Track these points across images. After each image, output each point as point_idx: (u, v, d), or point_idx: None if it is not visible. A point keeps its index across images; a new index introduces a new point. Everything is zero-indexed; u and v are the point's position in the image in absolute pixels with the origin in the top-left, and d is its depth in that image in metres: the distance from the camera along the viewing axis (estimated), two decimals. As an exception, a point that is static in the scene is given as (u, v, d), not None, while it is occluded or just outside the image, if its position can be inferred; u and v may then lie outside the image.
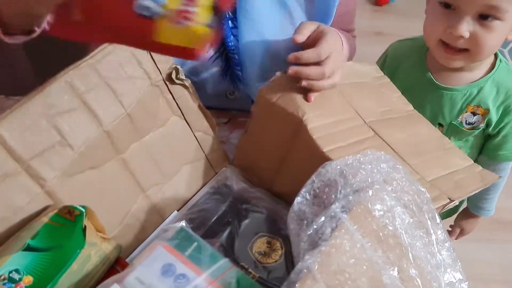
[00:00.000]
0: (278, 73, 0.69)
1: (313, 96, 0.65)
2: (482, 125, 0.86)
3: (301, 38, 0.66)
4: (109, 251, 0.55)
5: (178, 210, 0.71)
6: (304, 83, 0.64)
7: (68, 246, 0.51)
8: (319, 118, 0.65)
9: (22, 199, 0.54)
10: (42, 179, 0.55)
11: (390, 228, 0.51)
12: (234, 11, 0.76)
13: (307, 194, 0.56)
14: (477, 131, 0.87)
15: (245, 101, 0.86)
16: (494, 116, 0.85)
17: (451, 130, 0.87)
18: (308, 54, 0.64)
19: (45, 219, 0.52)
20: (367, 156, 0.56)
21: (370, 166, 0.54)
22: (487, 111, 0.85)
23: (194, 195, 0.73)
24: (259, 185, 0.74)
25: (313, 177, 0.56)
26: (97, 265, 0.53)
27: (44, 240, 0.50)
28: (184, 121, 0.69)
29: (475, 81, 0.84)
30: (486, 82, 0.84)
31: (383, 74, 0.80)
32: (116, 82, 0.61)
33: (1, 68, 0.91)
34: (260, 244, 0.67)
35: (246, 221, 0.69)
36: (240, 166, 0.75)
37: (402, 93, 0.86)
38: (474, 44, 0.76)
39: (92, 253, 0.52)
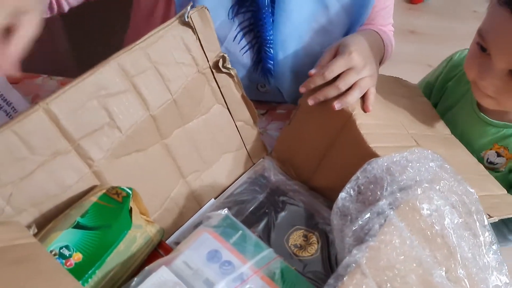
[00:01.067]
0: None
1: (339, 104, 0.64)
2: (504, 170, 0.78)
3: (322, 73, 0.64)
4: (153, 234, 0.55)
5: (215, 198, 0.72)
6: (336, 105, 0.63)
7: (116, 226, 0.52)
8: (367, 117, 0.64)
9: (71, 178, 0.55)
10: (90, 159, 0.56)
11: (438, 227, 0.50)
12: (274, 3, 0.76)
13: (351, 190, 0.55)
14: (495, 174, 0.78)
15: (276, 94, 0.85)
16: None
17: None
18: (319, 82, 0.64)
19: (93, 198, 0.53)
20: (414, 154, 0.56)
21: (417, 164, 0.53)
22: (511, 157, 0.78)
23: (231, 184, 0.73)
24: (297, 178, 0.73)
25: (358, 173, 0.55)
26: (142, 247, 0.53)
27: (93, 219, 0.51)
28: (227, 110, 0.69)
29: None
30: None
31: (423, 96, 0.81)
32: (165, 67, 0.61)
33: (43, 49, 0.92)
34: (296, 237, 0.67)
35: (283, 213, 0.70)
36: (278, 158, 0.75)
37: (445, 104, 0.85)
38: (502, 95, 0.68)
39: (138, 235, 0.53)
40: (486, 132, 0.79)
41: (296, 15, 0.77)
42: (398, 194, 0.51)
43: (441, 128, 0.76)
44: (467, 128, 0.80)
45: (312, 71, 0.64)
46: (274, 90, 0.86)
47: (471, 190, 0.53)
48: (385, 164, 0.55)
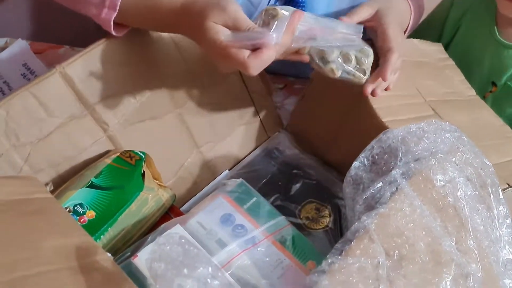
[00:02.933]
0: None
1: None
2: None
3: (354, 19, 0.63)
4: (165, 198, 0.56)
5: (229, 170, 0.72)
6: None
7: (128, 187, 0.53)
8: (381, 90, 0.63)
9: (86, 141, 0.57)
10: (105, 124, 0.57)
11: (451, 198, 0.49)
12: None
13: (365, 159, 0.55)
14: None
15: (306, 64, 0.84)
16: None
17: (504, 92, 0.80)
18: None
19: (108, 160, 0.54)
20: (432, 125, 0.55)
21: (434, 135, 0.52)
22: None
23: (246, 156, 0.73)
24: (311, 153, 0.73)
25: (373, 143, 0.55)
26: (153, 209, 0.54)
27: (107, 180, 0.52)
28: (242, 81, 0.69)
29: None
30: None
31: (447, 56, 0.77)
32: (181, 37, 0.61)
33: (66, 19, 0.94)
34: (308, 210, 0.67)
35: (296, 186, 0.69)
36: (293, 132, 0.75)
37: (462, 44, 0.81)
38: None
39: (150, 197, 0.54)
40: None
41: None
42: (412, 164, 0.50)
43: (464, 89, 0.73)
44: (494, 59, 0.79)
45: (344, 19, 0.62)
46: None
47: (488, 162, 0.52)
48: (401, 134, 0.54)
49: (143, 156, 0.55)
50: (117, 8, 0.53)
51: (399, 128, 0.54)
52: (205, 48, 0.51)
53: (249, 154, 0.74)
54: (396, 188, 0.48)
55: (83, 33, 0.97)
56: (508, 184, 0.58)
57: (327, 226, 0.65)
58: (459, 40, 0.83)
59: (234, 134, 0.72)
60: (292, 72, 0.87)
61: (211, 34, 0.48)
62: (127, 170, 0.54)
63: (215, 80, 0.67)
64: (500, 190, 0.52)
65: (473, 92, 0.72)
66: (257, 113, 0.73)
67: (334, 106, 0.68)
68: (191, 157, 0.67)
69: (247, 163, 0.72)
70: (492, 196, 0.51)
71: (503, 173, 0.59)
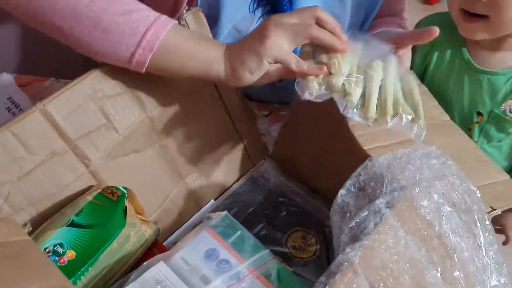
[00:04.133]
0: None
1: None
2: None
3: None
4: (148, 233, 0.55)
5: (215, 199, 0.71)
6: None
7: (110, 224, 0.52)
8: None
9: (68, 177, 0.56)
10: (87, 159, 0.57)
11: (436, 227, 0.49)
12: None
13: (352, 186, 0.54)
14: None
15: (293, 90, 0.85)
16: None
17: (492, 120, 0.78)
18: None
19: (89, 197, 0.53)
20: (417, 151, 0.54)
21: (419, 162, 0.52)
22: None
23: (231, 185, 0.73)
24: (297, 180, 0.73)
25: (359, 170, 0.54)
26: (136, 246, 0.54)
27: (88, 217, 0.51)
28: (226, 111, 0.69)
29: None
30: None
31: (420, 82, 0.78)
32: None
33: (52, 51, 0.94)
34: (295, 238, 0.66)
35: (282, 214, 0.69)
36: (278, 160, 0.75)
37: (437, 77, 0.80)
38: (494, 9, 0.66)
39: (132, 233, 0.53)
40: (498, 84, 0.76)
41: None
42: (396, 192, 0.50)
43: (439, 114, 0.73)
44: (475, 90, 0.78)
45: None
46: (292, 87, 0.86)
47: (473, 188, 0.52)
48: (386, 161, 0.54)
49: (125, 192, 0.55)
50: (154, 50, 0.53)
51: (385, 155, 0.54)
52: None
53: (234, 183, 0.73)
54: (380, 219, 0.48)
55: (69, 65, 0.97)
56: (491, 207, 0.58)
57: (314, 254, 0.65)
58: (433, 75, 0.82)
59: (219, 163, 0.71)
60: (276, 99, 0.88)
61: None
62: (108, 206, 0.53)
63: (199, 111, 0.66)
64: (486, 216, 0.52)
65: (447, 117, 0.72)
66: (241, 141, 0.72)
67: (316, 133, 0.68)
68: (176, 189, 0.67)
69: (233, 192, 0.72)
70: (478, 223, 0.51)
71: (486, 196, 0.59)
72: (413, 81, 0.63)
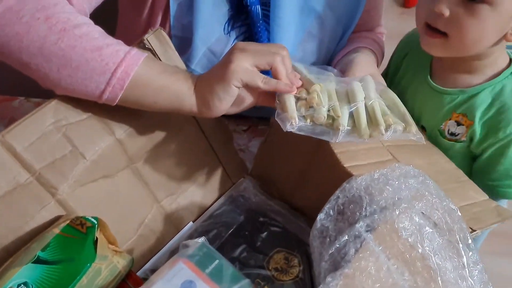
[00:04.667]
0: None
1: None
2: (465, 140, 0.74)
3: None
4: (121, 265, 0.53)
5: (193, 221, 0.69)
6: None
7: (79, 259, 0.49)
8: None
9: (33, 208, 0.53)
10: (54, 188, 0.54)
11: (419, 249, 0.47)
12: (268, 16, 0.74)
13: (331, 210, 0.53)
14: (458, 145, 0.75)
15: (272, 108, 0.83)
16: (478, 131, 0.73)
17: (432, 138, 0.77)
18: None
19: (56, 230, 0.50)
20: (395, 171, 0.53)
21: (397, 182, 0.51)
22: (471, 123, 0.72)
23: (210, 206, 0.70)
24: (278, 197, 0.71)
25: (338, 192, 0.53)
26: (108, 279, 0.51)
27: (55, 252, 0.48)
28: (200, 129, 0.67)
29: (471, 86, 0.73)
30: (483, 90, 0.72)
31: None
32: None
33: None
34: (277, 260, 0.64)
35: (263, 235, 0.67)
36: (258, 177, 0.73)
37: (401, 84, 0.80)
38: (453, 27, 0.65)
39: (103, 267, 0.50)
40: (442, 102, 0.75)
41: (290, 28, 0.75)
42: (376, 215, 0.48)
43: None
44: (424, 103, 0.77)
45: None
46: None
47: (453, 207, 0.51)
48: (364, 183, 0.52)
49: (95, 222, 0.52)
50: (124, 87, 0.52)
51: (363, 176, 0.53)
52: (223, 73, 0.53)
53: (213, 203, 0.71)
54: (361, 244, 0.46)
55: (36, 82, 0.93)
56: (471, 228, 0.56)
57: (297, 276, 0.63)
58: (397, 81, 0.83)
59: (196, 184, 0.69)
60: (254, 114, 0.86)
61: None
62: (77, 239, 0.50)
63: (171, 131, 0.64)
64: (468, 235, 0.50)
65: (425, 137, 0.71)
66: (218, 160, 0.70)
67: (296, 150, 0.66)
68: (151, 213, 0.64)
69: (212, 213, 0.69)
70: (460, 243, 0.49)
71: (465, 217, 0.58)
72: (393, 93, 0.62)
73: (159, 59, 0.59)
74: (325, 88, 0.57)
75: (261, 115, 0.85)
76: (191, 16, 0.70)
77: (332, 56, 0.82)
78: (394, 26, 2.20)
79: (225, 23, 0.73)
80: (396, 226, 0.48)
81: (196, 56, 0.73)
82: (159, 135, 0.63)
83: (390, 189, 0.51)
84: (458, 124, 0.74)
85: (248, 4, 0.71)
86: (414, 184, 0.51)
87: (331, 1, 0.76)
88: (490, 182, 0.75)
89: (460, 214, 0.51)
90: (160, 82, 0.54)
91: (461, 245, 0.49)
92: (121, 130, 0.58)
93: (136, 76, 0.53)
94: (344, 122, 0.55)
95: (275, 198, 0.71)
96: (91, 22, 0.55)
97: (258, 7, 0.71)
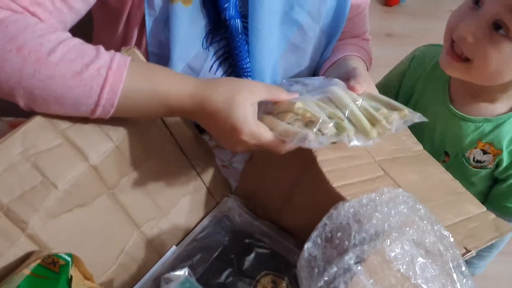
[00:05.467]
0: None
1: None
2: (491, 167, 0.75)
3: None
4: (98, 302, 0.50)
5: (176, 245, 0.66)
6: None
7: (51, 302, 0.46)
8: (330, 151, 0.59)
9: (2, 245, 0.50)
10: (24, 222, 0.51)
11: (411, 280, 0.45)
12: (248, 30, 0.71)
13: (318, 238, 0.50)
14: (483, 172, 0.76)
15: None
16: (505, 159, 0.73)
17: (456, 164, 0.77)
18: None
19: (26, 271, 0.47)
20: (384, 195, 0.51)
21: (386, 209, 0.49)
22: (499, 152, 0.73)
23: (194, 228, 0.67)
24: (264, 217, 0.68)
25: (325, 219, 0.50)
26: (84, 320, 0.48)
27: (24, 296, 0.45)
28: (179, 149, 0.64)
29: (495, 115, 0.73)
30: (507, 119, 0.72)
31: None
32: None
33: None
34: (265, 283, 0.62)
35: (250, 257, 0.64)
36: (243, 196, 0.70)
37: (418, 106, 0.79)
38: (477, 54, 0.65)
39: (79, 307, 0.47)
40: (466, 130, 0.75)
41: (271, 40, 0.73)
42: (365, 246, 0.46)
43: (412, 144, 0.70)
44: (446, 128, 0.76)
45: None
46: None
47: (445, 233, 0.49)
48: (352, 210, 0.50)
49: (69, 260, 0.49)
50: (115, 105, 0.51)
51: (351, 202, 0.50)
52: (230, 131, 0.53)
53: (197, 224, 0.68)
54: (351, 278, 0.44)
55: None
56: (465, 249, 0.54)
57: (286, 301, 0.60)
58: (415, 103, 0.80)
59: (178, 205, 0.66)
60: None
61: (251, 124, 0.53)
62: (50, 280, 0.47)
63: (148, 152, 0.61)
64: (461, 261, 0.48)
65: (420, 147, 0.69)
66: (201, 179, 0.67)
67: (284, 168, 0.63)
68: (131, 240, 0.61)
69: (195, 236, 0.66)
70: (453, 271, 0.47)
71: (460, 235, 0.56)
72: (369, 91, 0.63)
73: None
74: (308, 102, 0.56)
75: None
76: (167, 32, 0.66)
77: (318, 67, 0.80)
78: (377, 25, 2.20)
79: (203, 38, 0.70)
80: (387, 256, 0.46)
81: None
82: (135, 158, 0.60)
83: (379, 216, 0.48)
84: (485, 152, 0.74)
85: (228, 18, 0.67)
86: (403, 210, 0.49)
87: (313, 12, 0.73)
88: (510, 204, 0.74)
89: (452, 240, 0.49)
90: (149, 91, 0.53)
91: (454, 273, 0.47)
92: (95, 156, 0.55)
93: (124, 90, 0.51)
94: (349, 127, 0.55)
95: (261, 217, 0.68)
96: (65, 36, 0.52)
97: (238, 20, 0.68)
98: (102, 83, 0.50)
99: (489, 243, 0.58)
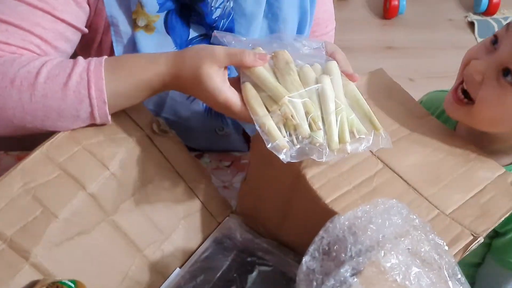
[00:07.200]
0: None
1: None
2: None
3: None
4: (102, 328, 0.50)
5: (180, 267, 0.67)
6: None
7: (55, 329, 0.47)
8: (320, 163, 0.59)
9: (7, 275, 0.51)
10: (27, 252, 0.52)
11: (408, 290, 0.45)
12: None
13: (316, 251, 0.51)
14: None
15: (236, 137, 0.82)
16: None
17: None
18: None
19: (30, 298, 0.48)
20: (378, 207, 0.51)
21: (380, 220, 0.49)
22: None
23: (196, 249, 0.68)
24: (265, 235, 0.69)
25: (321, 233, 0.51)
26: None
27: (28, 324, 0.46)
28: (175, 173, 0.65)
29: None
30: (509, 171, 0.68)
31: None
32: (96, 145, 0.59)
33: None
34: (268, 301, 0.62)
35: (253, 275, 0.65)
36: (243, 215, 0.71)
37: None
38: (480, 95, 0.63)
39: (82, 332, 0.48)
40: None
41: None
42: (361, 258, 0.47)
43: (415, 116, 0.67)
44: None
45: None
46: (234, 133, 0.82)
47: (439, 241, 0.49)
48: (347, 222, 0.50)
49: (73, 286, 0.50)
50: (106, 101, 0.56)
51: (346, 215, 0.51)
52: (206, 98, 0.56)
53: (200, 245, 0.69)
54: (347, 291, 0.44)
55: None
56: (473, 235, 0.54)
57: (290, 318, 0.60)
58: None
59: (179, 228, 0.67)
60: (219, 147, 0.84)
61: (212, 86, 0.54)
62: (53, 306, 0.48)
63: (144, 177, 0.62)
64: (457, 269, 0.48)
65: (424, 112, 0.67)
66: (200, 201, 0.68)
67: (275, 187, 0.64)
68: (134, 264, 0.62)
69: (199, 257, 0.67)
70: (449, 280, 0.47)
71: (470, 217, 0.55)
72: (356, 89, 0.60)
73: (126, 110, 0.60)
74: (296, 103, 0.53)
75: (226, 148, 0.84)
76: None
77: None
78: (377, 37, 2.22)
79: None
80: (382, 267, 0.46)
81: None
82: (133, 184, 0.61)
83: (374, 227, 0.49)
84: None
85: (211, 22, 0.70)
86: (397, 220, 0.49)
87: (283, 15, 0.76)
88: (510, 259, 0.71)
89: (447, 248, 0.49)
90: (131, 78, 0.57)
91: (450, 281, 0.47)
92: (92, 184, 0.57)
93: (108, 87, 0.56)
94: (321, 137, 0.53)
95: (262, 235, 0.69)
96: (46, 58, 0.57)
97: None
98: (87, 84, 0.55)
99: (505, 216, 0.55)
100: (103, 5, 0.67)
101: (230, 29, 0.72)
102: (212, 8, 0.69)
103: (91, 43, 0.73)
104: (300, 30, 0.80)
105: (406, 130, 0.65)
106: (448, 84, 0.97)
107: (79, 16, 0.66)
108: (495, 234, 0.72)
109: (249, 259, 0.66)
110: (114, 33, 0.69)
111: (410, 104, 0.69)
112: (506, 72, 0.61)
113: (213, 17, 0.70)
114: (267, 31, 0.77)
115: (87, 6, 0.67)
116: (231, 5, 0.71)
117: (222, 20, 0.71)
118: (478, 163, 0.62)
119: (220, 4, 0.70)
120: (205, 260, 0.67)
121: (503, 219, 0.56)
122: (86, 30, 0.68)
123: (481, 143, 0.68)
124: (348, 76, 0.60)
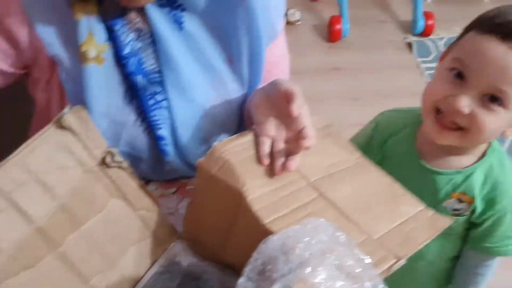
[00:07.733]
0: (216, 144, 0.68)
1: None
2: (467, 213, 0.80)
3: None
4: None
5: (127, 295, 0.69)
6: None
7: None
8: (260, 187, 0.63)
9: None
10: (-30, 290, 0.53)
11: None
12: (162, 84, 0.75)
13: (252, 272, 0.54)
14: (461, 219, 0.80)
15: (184, 168, 0.84)
16: (478, 206, 0.78)
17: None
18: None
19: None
20: (307, 226, 0.56)
21: (308, 239, 0.53)
22: (472, 200, 0.78)
23: (143, 277, 0.70)
24: (211, 258, 0.72)
25: (255, 254, 0.55)
26: None
27: None
28: (124, 202, 0.67)
29: (464, 167, 0.78)
30: (475, 170, 0.78)
31: (326, 124, 0.76)
32: (47, 174, 0.60)
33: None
34: (214, 322, 0.65)
35: (199, 298, 0.67)
36: (189, 239, 0.73)
37: (389, 166, 0.76)
38: (473, 123, 0.69)
39: None
40: (439, 183, 0.79)
41: (191, 91, 0.77)
42: (290, 275, 0.51)
43: (349, 154, 0.72)
44: (419, 185, 0.77)
45: None
46: (180, 166, 0.85)
47: (362, 256, 0.54)
48: (279, 242, 0.55)
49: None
50: None
51: (278, 235, 0.55)
52: None
53: (146, 272, 0.71)
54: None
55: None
56: (396, 258, 0.59)
57: (234, 337, 0.63)
58: (387, 163, 0.82)
59: (126, 255, 0.69)
60: (164, 177, 0.86)
61: None
62: None
63: (95, 209, 0.64)
64: (379, 280, 0.53)
65: (357, 154, 0.72)
66: (146, 228, 0.70)
67: (219, 211, 0.67)
68: (80, 295, 0.63)
69: (145, 284, 0.69)
70: (372, 291, 0.52)
71: (394, 242, 0.61)
72: None
73: (80, 138, 0.61)
74: None
75: (171, 177, 0.86)
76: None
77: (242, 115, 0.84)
78: (324, 60, 2.31)
79: (124, 92, 0.74)
80: (310, 283, 0.50)
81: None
82: (82, 215, 0.63)
83: (302, 246, 0.53)
84: (460, 201, 0.79)
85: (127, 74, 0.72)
86: (323, 238, 0.54)
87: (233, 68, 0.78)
88: (489, 244, 0.80)
89: (370, 261, 0.54)
90: None
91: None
92: (40, 217, 0.58)
93: None
94: None
95: (207, 258, 0.72)
96: None
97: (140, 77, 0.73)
98: None
99: (424, 244, 0.61)
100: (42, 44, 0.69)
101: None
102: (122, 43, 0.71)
103: (39, 80, 0.74)
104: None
105: (343, 165, 0.70)
106: (392, 102, 1.05)
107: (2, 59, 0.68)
108: (471, 225, 0.81)
109: (195, 282, 0.69)
110: (61, 71, 0.71)
111: (347, 144, 0.75)
112: (493, 98, 0.68)
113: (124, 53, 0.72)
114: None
115: (10, 48, 0.68)
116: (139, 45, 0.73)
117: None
118: (402, 199, 0.68)
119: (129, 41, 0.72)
120: (152, 286, 0.69)
121: (424, 244, 0.62)
122: (14, 71, 0.70)
123: (448, 150, 0.76)
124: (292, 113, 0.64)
